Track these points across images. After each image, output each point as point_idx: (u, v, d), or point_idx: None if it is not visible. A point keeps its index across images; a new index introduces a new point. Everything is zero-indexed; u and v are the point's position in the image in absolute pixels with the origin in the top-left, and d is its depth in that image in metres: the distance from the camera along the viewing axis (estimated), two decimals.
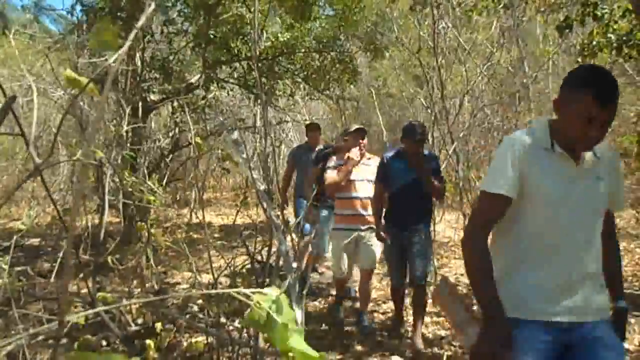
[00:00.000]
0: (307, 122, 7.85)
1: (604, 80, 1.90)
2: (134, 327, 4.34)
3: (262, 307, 0.73)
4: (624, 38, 5.90)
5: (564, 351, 2.00)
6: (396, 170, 4.69)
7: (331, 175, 5.12)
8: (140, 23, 0.93)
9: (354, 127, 5.52)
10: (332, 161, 5.26)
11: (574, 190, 2.00)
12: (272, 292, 0.75)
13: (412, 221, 4.65)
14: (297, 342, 0.73)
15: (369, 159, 5.29)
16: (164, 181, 7.87)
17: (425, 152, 4.76)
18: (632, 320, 4.88)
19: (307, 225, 6.48)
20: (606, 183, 2.06)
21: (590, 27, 6.39)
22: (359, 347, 4.63)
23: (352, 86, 11.16)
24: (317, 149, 6.94)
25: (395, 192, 4.71)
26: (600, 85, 1.88)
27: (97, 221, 6.07)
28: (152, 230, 3.71)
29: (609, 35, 6.17)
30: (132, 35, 0.87)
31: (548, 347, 1.95)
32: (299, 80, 9.72)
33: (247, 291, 0.74)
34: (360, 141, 5.26)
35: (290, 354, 0.73)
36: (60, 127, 1.32)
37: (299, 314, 3.01)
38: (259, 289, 0.74)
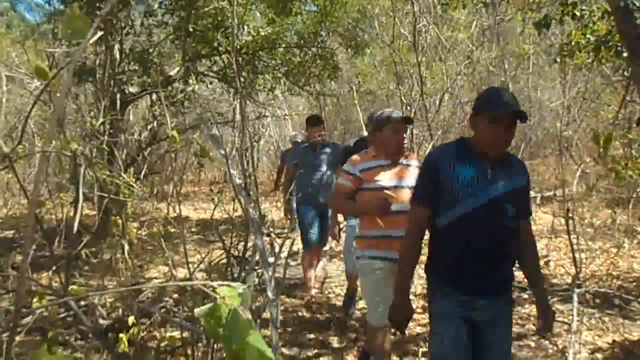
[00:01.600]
0: (309, 115, 6.95)
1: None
2: (107, 321, 4.30)
3: (226, 301, 0.71)
4: (603, 39, 5.96)
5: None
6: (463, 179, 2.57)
7: (339, 188, 3.67)
8: (104, 10, 0.91)
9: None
10: (350, 166, 3.63)
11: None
12: (239, 285, 0.74)
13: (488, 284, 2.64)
14: (257, 340, 0.71)
15: (407, 156, 3.69)
16: (142, 174, 7.81)
17: None
18: (606, 319, 4.95)
19: (314, 235, 5.78)
20: None
21: (570, 28, 6.45)
22: (336, 344, 4.63)
23: (332, 82, 11.15)
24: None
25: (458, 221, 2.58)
26: None
27: (72, 214, 5.99)
28: (127, 224, 3.67)
29: (588, 36, 6.23)
30: (95, 24, 0.84)
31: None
32: (280, 75, 9.68)
33: (214, 284, 0.72)
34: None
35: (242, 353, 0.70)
36: (29, 117, 1.29)
37: (273, 310, 3.00)
38: (227, 282, 0.73)
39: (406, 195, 3.32)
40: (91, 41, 0.91)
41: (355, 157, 3.65)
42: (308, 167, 5.87)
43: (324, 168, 5.86)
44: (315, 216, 5.79)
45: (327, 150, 5.95)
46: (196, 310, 0.74)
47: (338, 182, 3.69)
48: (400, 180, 3.53)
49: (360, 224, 3.69)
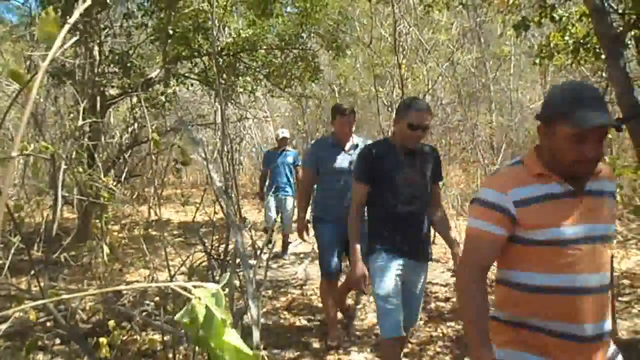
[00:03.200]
0: (336, 104, 5.19)
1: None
2: (87, 325, 4.27)
3: (200, 301, 0.71)
4: (581, 41, 6.03)
5: None
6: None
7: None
8: (73, 18, 0.91)
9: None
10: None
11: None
12: (213, 285, 0.74)
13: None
14: (233, 337, 0.71)
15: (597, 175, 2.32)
16: (123, 177, 7.76)
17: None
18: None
19: (335, 259, 4.59)
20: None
21: (549, 30, 6.51)
22: (316, 345, 4.64)
23: (314, 84, 11.16)
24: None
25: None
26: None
27: (52, 217, 5.94)
28: (106, 227, 3.65)
29: (566, 38, 6.29)
30: (65, 29, 0.84)
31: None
32: (261, 77, 9.68)
33: (188, 284, 0.72)
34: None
35: (220, 352, 0.71)
36: (4, 120, 1.28)
37: (254, 311, 3.00)
38: (199, 283, 0.73)
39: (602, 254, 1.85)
40: (65, 46, 0.91)
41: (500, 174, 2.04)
42: (331, 172, 4.64)
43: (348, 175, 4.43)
44: (336, 234, 4.50)
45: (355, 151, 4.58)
46: (177, 316, 0.75)
47: (470, 226, 1.98)
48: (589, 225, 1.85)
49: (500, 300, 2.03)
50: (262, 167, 8.73)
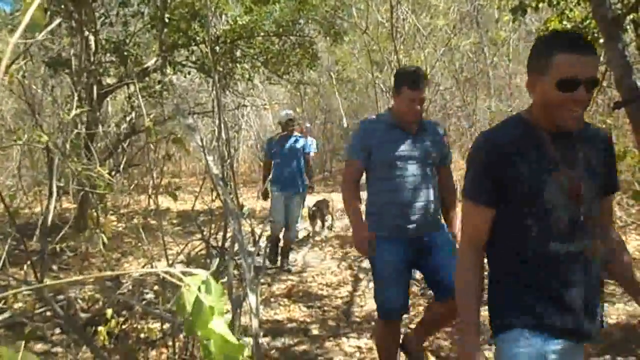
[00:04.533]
0: (401, 69, 3.62)
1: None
2: (86, 315, 4.27)
3: (191, 288, 0.70)
4: (579, 26, 5.99)
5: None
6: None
7: None
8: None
9: None
10: None
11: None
12: (202, 272, 0.73)
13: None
14: (219, 325, 0.70)
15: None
16: (121, 167, 7.74)
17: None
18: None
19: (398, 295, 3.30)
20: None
21: (547, 14, 6.47)
22: (315, 332, 4.64)
23: (312, 71, 11.12)
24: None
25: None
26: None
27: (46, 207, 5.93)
28: (102, 217, 3.64)
29: (564, 22, 6.26)
30: (19, 32, 0.82)
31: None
32: (258, 64, 9.63)
33: (176, 271, 0.71)
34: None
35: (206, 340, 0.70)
36: None
37: (253, 299, 3.00)
38: (189, 269, 0.72)
39: None
40: (48, 29, 0.89)
41: None
42: (396, 166, 3.20)
43: (420, 171, 3.23)
44: (402, 255, 3.21)
45: (428, 137, 3.31)
46: (172, 303, 0.74)
47: None
48: None
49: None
50: (264, 157, 7.42)
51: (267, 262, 6.55)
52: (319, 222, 8.33)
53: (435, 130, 3.38)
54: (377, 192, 3.29)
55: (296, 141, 6.76)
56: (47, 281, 2.87)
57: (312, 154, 7.44)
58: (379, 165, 3.24)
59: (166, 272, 0.72)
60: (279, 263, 6.78)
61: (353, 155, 3.29)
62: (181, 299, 0.71)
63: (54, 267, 5.76)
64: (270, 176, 6.43)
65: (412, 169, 3.20)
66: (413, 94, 3.13)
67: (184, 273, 0.72)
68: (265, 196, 6.83)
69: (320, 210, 8.29)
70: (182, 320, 0.75)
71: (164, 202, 11.12)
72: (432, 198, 3.25)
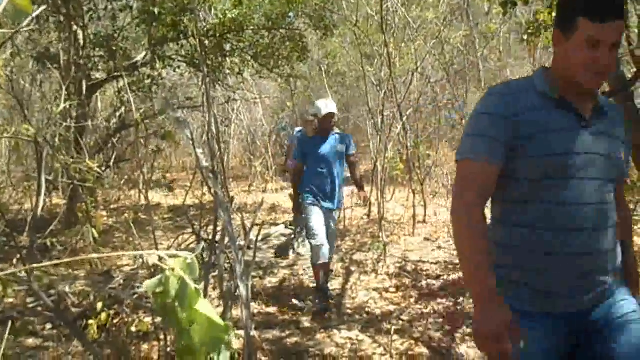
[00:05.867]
0: None
1: None
2: (78, 309, 4.26)
3: (175, 272, 0.70)
4: None
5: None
6: None
7: None
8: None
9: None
10: None
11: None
12: (187, 254, 0.73)
13: None
14: (204, 306, 0.70)
15: None
16: (111, 162, 7.72)
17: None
18: None
19: None
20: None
21: (537, 6, 6.48)
22: (307, 324, 4.66)
23: (302, 64, 11.09)
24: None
25: None
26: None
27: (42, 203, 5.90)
28: (93, 212, 3.63)
29: (554, 14, 6.26)
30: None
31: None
32: (248, 58, 9.60)
33: (161, 253, 0.71)
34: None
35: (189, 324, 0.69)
36: None
37: (244, 290, 3.00)
38: (173, 252, 0.72)
39: None
40: (34, 14, 0.89)
41: None
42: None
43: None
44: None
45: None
46: (145, 284, 0.73)
47: None
48: None
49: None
50: (290, 160, 6.48)
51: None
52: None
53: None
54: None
55: (337, 140, 5.24)
56: (36, 274, 2.87)
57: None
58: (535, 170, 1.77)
59: (150, 255, 0.72)
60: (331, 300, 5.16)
61: (481, 151, 1.78)
62: (165, 282, 0.71)
63: (45, 263, 5.74)
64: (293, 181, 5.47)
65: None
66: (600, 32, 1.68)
67: (168, 256, 0.72)
68: (297, 209, 5.34)
69: None
70: (158, 304, 0.75)
71: (155, 197, 11.10)
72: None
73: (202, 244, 2.93)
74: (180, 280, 0.69)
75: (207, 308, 0.70)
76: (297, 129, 7.85)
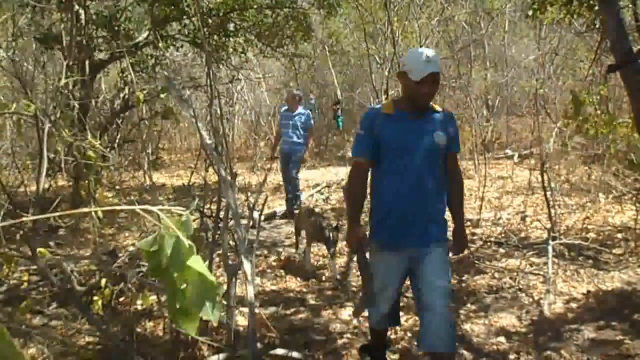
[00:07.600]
0: None
1: None
2: (83, 288, 4.27)
3: (170, 227, 0.68)
4: None
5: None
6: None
7: None
8: None
9: None
10: None
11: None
12: (181, 210, 0.71)
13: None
14: (196, 262, 0.68)
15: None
16: (116, 142, 7.70)
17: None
18: (581, 271, 5.03)
19: None
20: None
21: None
22: (312, 302, 4.66)
23: (306, 44, 11.02)
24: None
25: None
26: None
27: (47, 184, 5.90)
28: (96, 190, 3.62)
29: None
30: None
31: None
32: (252, 37, 9.54)
33: (154, 208, 0.69)
34: None
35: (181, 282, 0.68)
36: None
37: (248, 267, 3.00)
38: (166, 207, 0.70)
39: None
40: None
41: None
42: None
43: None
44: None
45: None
46: (138, 243, 0.72)
47: None
48: None
49: None
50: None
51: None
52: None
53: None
54: None
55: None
56: (40, 250, 2.87)
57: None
58: None
59: (144, 210, 0.70)
60: None
61: None
62: (160, 240, 0.69)
63: (50, 243, 5.74)
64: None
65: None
66: None
67: (162, 211, 0.70)
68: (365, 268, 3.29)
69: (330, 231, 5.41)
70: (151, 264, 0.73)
71: (160, 178, 11.11)
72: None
73: (197, 200, 2.92)
74: (175, 239, 0.67)
75: (199, 264, 0.69)
76: (284, 106, 7.85)
